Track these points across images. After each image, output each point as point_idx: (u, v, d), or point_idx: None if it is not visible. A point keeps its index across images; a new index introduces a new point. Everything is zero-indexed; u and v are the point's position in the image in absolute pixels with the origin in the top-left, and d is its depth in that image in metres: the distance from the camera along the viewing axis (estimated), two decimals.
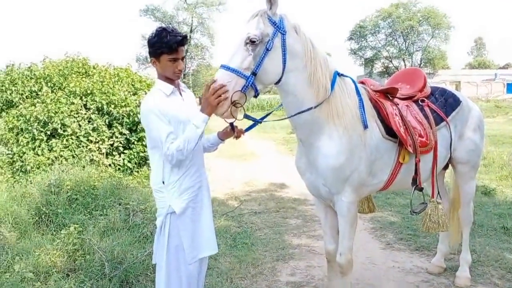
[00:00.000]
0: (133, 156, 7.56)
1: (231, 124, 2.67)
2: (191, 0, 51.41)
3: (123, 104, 7.66)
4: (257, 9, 2.54)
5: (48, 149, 6.95)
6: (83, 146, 7.12)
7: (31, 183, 6.05)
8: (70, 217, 5.00)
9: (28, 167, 6.65)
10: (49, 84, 8.44)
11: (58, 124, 7.03)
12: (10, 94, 8.48)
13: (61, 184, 5.62)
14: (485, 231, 5.05)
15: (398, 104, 3.16)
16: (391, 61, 53.97)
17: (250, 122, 2.77)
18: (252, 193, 7.55)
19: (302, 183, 3.18)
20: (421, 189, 3.23)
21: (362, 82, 3.25)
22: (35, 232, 4.77)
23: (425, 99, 3.39)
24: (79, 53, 9.53)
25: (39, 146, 6.94)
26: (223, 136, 2.85)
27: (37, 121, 7.05)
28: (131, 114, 7.60)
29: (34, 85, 8.53)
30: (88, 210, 5.32)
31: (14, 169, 6.89)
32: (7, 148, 7.25)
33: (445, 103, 3.46)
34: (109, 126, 7.63)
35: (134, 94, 8.18)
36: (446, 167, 3.77)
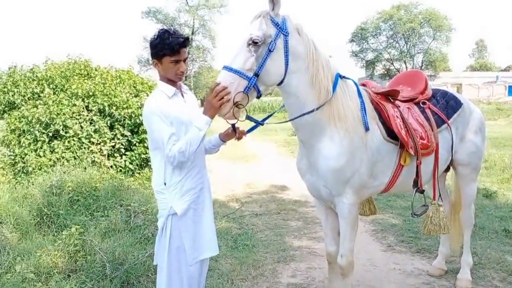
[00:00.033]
0: (134, 158, 7.57)
1: (233, 125, 2.68)
2: (193, 2, 51.55)
3: (124, 106, 7.67)
4: (259, 10, 2.55)
5: (50, 151, 6.97)
6: (84, 148, 7.13)
7: (32, 184, 6.06)
8: (72, 218, 5.00)
9: (30, 169, 6.66)
10: (51, 85, 8.46)
11: (60, 125, 7.04)
12: (12, 95, 8.51)
13: (63, 186, 5.63)
14: (486, 234, 5.05)
15: (399, 106, 3.16)
16: (392, 63, 53.96)
17: (252, 124, 2.78)
18: (253, 195, 7.55)
19: (303, 185, 3.18)
20: (422, 192, 3.22)
21: (363, 84, 3.25)
22: (37, 233, 4.78)
23: (426, 101, 3.39)
24: (81, 55, 9.57)
25: (41, 148, 6.96)
26: (224, 137, 2.85)
27: (39, 122, 7.07)
28: (133, 115, 7.61)
29: (36, 86, 8.56)
30: (90, 211, 5.33)
31: (16, 170, 6.91)
32: (9, 149, 7.27)
33: (447, 105, 3.47)
34: (111, 127, 7.64)
35: (135, 96, 8.19)
36: (447, 170, 3.77)
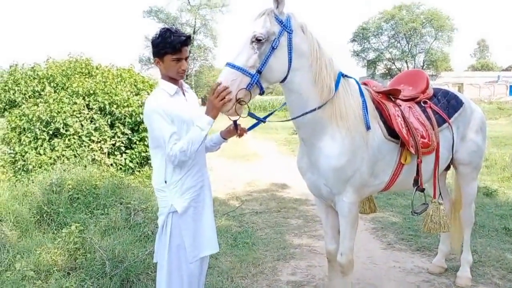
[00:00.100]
0: (134, 156, 7.58)
1: (235, 122, 2.68)
2: (195, 2, 51.49)
3: (125, 104, 7.67)
4: (264, 8, 2.55)
5: (50, 149, 6.97)
6: (85, 146, 7.14)
7: (33, 182, 6.07)
8: (72, 216, 5.01)
9: (30, 166, 6.67)
10: (52, 84, 8.45)
11: (61, 123, 7.04)
12: (13, 94, 8.50)
13: (63, 183, 5.64)
14: (486, 232, 5.05)
15: (400, 106, 3.16)
16: (393, 63, 53.86)
17: (253, 121, 2.78)
18: (253, 193, 7.55)
19: (304, 184, 3.18)
20: (422, 190, 3.23)
21: (364, 83, 3.25)
22: (37, 231, 4.79)
23: (427, 100, 3.40)
24: (82, 54, 9.54)
25: (41, 146, 6.96)
26: (226, 135, 2.85)
27: (40, 120, 7.07)
28: (133, 114, 7.61)
29: (37, 85, 8.54)
30: (90, 209, 5.33)
31: (16, 168, 6.92)
32: (9, 147, 7.28)
33: (448, 105, 3.47)
34: (111, 126, 7.65)
35: (136, 95, 8.19)
36: (447, 168, 3.77)
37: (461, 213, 3.88)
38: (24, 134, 7.11)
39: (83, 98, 7.68)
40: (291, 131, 16.17)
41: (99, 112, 7.61)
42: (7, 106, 8.59)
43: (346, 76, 2.87)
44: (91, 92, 7.75)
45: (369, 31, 53.07)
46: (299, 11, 2.66)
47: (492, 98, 42.20)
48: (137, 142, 7.67)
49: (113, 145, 7.43)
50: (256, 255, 4.52)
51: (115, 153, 7.45)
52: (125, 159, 7.46)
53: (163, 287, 2.72)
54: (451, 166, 3.69)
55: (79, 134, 7.15)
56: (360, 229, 4.78)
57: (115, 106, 7.61)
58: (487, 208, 6.01)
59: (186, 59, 2.63)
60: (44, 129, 7.06)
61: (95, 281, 3.65)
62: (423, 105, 3.35)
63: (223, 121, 2.55)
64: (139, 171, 7.60)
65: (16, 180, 6.51)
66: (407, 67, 51.15)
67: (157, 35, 2.57)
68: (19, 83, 8.63)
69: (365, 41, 54.35)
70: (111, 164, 7.27)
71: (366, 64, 55.63)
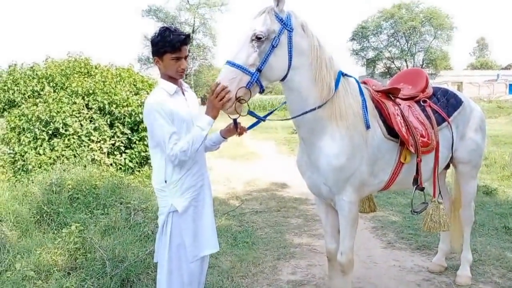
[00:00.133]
0: (134, 156, 7.58)
1: (235, 120, 2.67)
2: (194, 1, 51.45)
3: (124, 104, 7.67)
4: (264, 6, 2.54)
5: (50, 149, 6.97)
6: (84, 146, 7.13)
7: (32, 182, 6.06)
8: (72, 216, 5.01)
9: (30, 166, 6.67)
10: (51, 84, 8.46)
11: (60, 123, 7.04)
12: (13, 93, 8.51)
13: (63, 183, 5.64)
14: (486, 231, 5.06)
15: (400, 105, 3.16)
16: (393, 62, 53.81)
17: (253, 120, 2.78)
18: (253, 192, 7.55)
19: (303, 183, 3.18)
20: (422, 189, 3.23)
21: (364, 82, 3.25)
22: (37, 231, 4.78)
23: (427, 99, 3.39)
24: (81, 53, 9.56)
25: (41, 146, 6.96)
26: (225, 133, 2.85)
27: (39, 120, 7.07)
28: (133, 113, 7.61)
29: (36, 85, 8.55)
30: (90, 209, 5.33)
31: (16, 168, 6.91)
32: (9, 147, 7.27)
33: (447, 104, 3.46)
34: (111, 125, 7.65)
35: (136, 94, 8.19)
36: (447, 167, 3.77)
37: (460, 212, 3.88)
38: (24, 134, 7.10)
39: (83, 98, 7.68)
40: (290, 130, 16.17)
41: (98, 111, 7.61)
42: (6, 106, 8.61)
43: (346, 75, 2.87)
44: (91, 91, 7.75)
45: (369, 29, 53.02)
46: (299, 10, 2.66)
47: (492, 97, 42.26)
48: (137, 142, 7.67)
49: (113, 145, 7.42)
50: (256, 254, 4.52)
51: (115, 153, 7.45)
52: (124, 159, 7.46)
53: (163, 286, 2.73)
54: (451, 165, 3.70)
55: (79, 134, 7.15)
56: (360, 228, 4.78)
57: (114, 105, 7.61)
58: (487, 206, 6.02)
59: (185, 58, 2.63)
60: (43, 129, 7.05)
61: (95, 281, 3.65)
62: (422, 104, 3.35)
63: (223, 121, 2.54)
64: (139, 171, 7.60)
65: (16, 180, 6.50)
66: (407, 66, 51.10)
67: (156, 34, 2.58)
68: (18, 83, 8.64)
69: (365, 39, 54.30)
70: (111, 164, 7.27)
71: (365, 63, 55.60)
